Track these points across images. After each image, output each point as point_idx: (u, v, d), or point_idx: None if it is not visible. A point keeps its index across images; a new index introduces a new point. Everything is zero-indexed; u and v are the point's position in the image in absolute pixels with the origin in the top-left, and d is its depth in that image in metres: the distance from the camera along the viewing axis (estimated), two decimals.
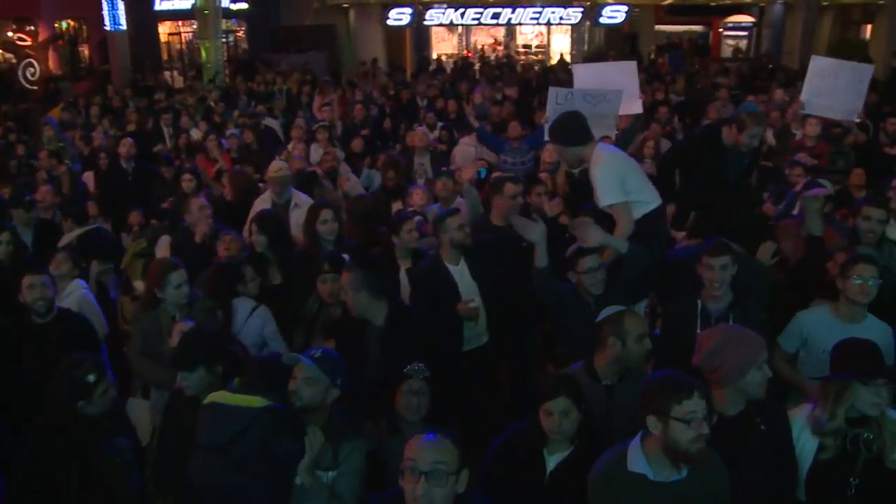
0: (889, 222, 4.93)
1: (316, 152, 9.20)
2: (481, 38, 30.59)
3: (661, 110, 11.05)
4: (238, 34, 29.01)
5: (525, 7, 26.14)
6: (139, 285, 7.14)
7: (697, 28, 33.86)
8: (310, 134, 9.96)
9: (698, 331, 3.93)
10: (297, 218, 6.43)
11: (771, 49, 27.50)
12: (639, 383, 3.71)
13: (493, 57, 27.96)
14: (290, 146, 9.64)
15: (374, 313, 4.29)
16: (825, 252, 4.82)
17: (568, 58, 26.07)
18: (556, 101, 7.71)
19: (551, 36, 29.61)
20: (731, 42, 30.43)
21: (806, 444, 3.28)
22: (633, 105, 8.39)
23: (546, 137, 5.78)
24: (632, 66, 8.67)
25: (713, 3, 29.38)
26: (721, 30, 30.64)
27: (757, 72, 20.89)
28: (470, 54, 28.62)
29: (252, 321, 4.79)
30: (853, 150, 8.74)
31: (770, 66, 22.47)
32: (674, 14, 31.17)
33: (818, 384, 3.40)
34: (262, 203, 6.76)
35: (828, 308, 4.25)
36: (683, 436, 2.77)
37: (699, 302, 4.19)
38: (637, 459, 2.90)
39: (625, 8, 25.60)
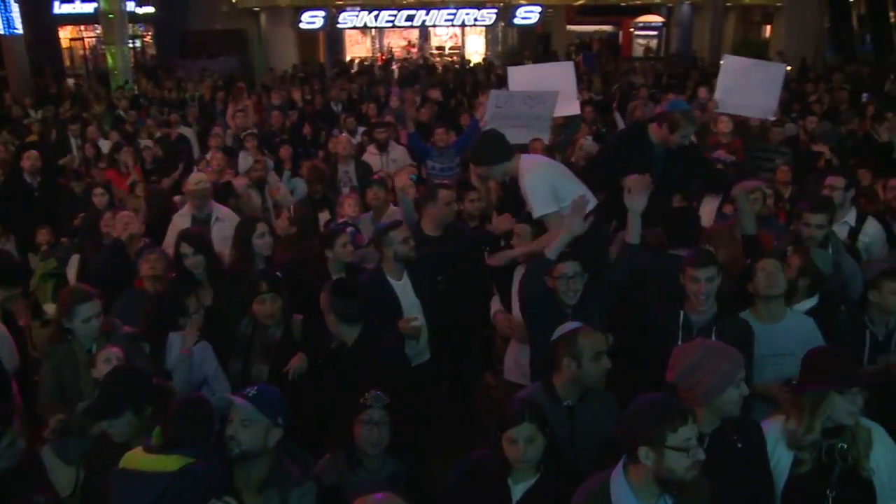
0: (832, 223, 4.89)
1: (245, 161, 8.77)
2: (394, 41, 30.43)
3: (587, 110, 10.99)
4: (146, 39, 28.01)
5: (439, 9, 26.06)
6: (49, 309, 6.67)
7: (607, 28, 34.57)
8: (237, 141, 9.51)
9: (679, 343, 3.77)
10: (219, 232, 6.09)
11: (680, 48, 28.15)
12: (600, 403, 3.56)
13: (407, 59, 27.77)
14: (207, 156, 9.17)
15: (344, 335, 4.19)
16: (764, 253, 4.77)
17: (481, 59, 26.13)
18: (496, 105, 7.57)
19: (466, 37, 29.63)
20: (641, 42, 30.99)
21: (781, 458, 3.17)
22: (571, 106, 8.33)
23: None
24: (568, 67, 8.60)
25: (623, 4, 29.87)
26: (631, 30, 31.16)
27: (672, 70, 21.19)
28: (382, 57, 28.34)
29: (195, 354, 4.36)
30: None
31: (691, 65, 22.87)
32: (584, 14, 31.67)
33: (785, 387, 3.34)
34: (182, 219, 6.35)
35: (749, 312, 4.19)
36: (680, 464, 2.59)
37: (682, 313, 4.04)
38: (622, 491, 2.69)
39: (538, 8, 25.84)
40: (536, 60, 25.95)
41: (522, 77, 8.26)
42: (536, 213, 4.43)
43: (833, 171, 7.64)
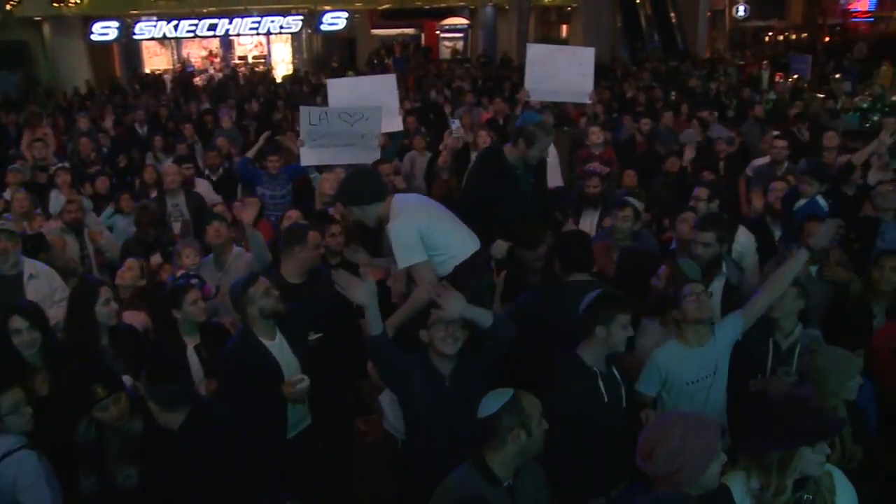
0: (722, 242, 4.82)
1: (57, 201, 7.44)
2: (195, 51, 28.80)
3: (409, 120, 10.55)
4: None
5: (243, 17, 24.99)
6: None
7: (409, 31, 34.79)
8: (50, 177, 8.31)
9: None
10: (35, 292, 5.21)
11: (486, 49, 28.75)
12: (533, 475, 3.22)
13: (209, 70, 26.41)
14: (6, 195, 7.87)
15: (169, 422, 3.52)
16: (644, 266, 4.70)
17: (287, 67, 25.31)
18: (309, 122, 7.06)
19: (271, 45, 28.64)
20: (448, 44, 31.37)
21: None
22: (393, 122, 7.98)
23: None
24: (390, 80, 8.22)
25: (427, 7, 30.06)
26: (438, 32, 31.46)
27: (487, 73, 21.31)
28: (179, 69, 26.71)
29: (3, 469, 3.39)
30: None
31: (505, 66, 23.15)
32: (388, 18, 31.66)
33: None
34: None
35: (674, 339, 4.06)
36: None
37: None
38: None
39: (345, 14, 25.39)
40: (344, 66, 25.94)
41: (342, 90, 7.79)
42: (400, 264, 3.99)
43: (685, 175, 7.85)
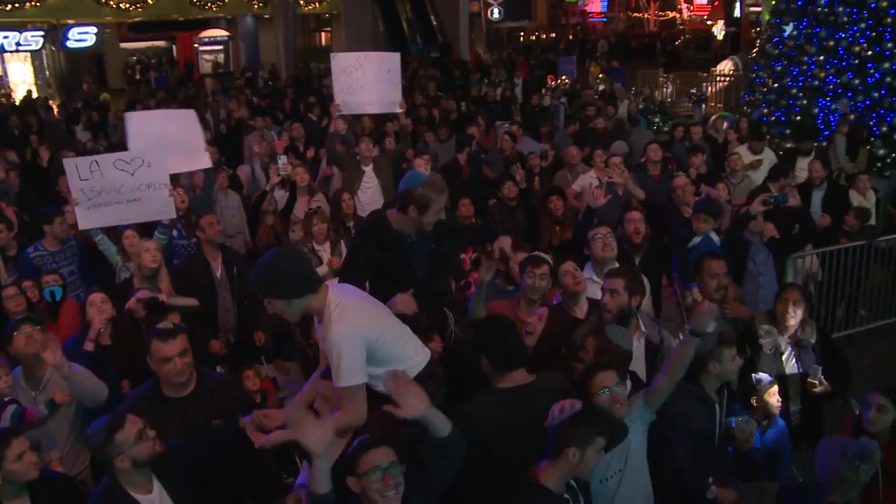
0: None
1: None
2: None
3: (210, 150, 9.41)
4: None
5: None
6: None
7: (161, 44, 32.61)
8: None
9: None
10: None
11: (249, 61, 27.44)
12: None
13: None
14: None
15: None
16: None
17: (28, 90, 22.42)
18: (78, 177, 5.89)
19: (7, 65, 25.35)
20: (208, 57, 29.57)
21: None
22: (200, 159, 7.03)
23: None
24: (190, 114, 7.23)
25: (180, 19, 28.15)
26: (196, 45, 29.59)
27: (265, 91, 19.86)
28: None
29: None
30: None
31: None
32: (137, 31, 29.40)
33: None
34: None
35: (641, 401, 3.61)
36: None
37: None
38: None
39: (94, 29, 22.99)
40: (96, 85, 23.60)
41: (143, 126, 6.71)
42: (341, 381, 3.13)
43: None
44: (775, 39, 13.01)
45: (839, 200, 7.98)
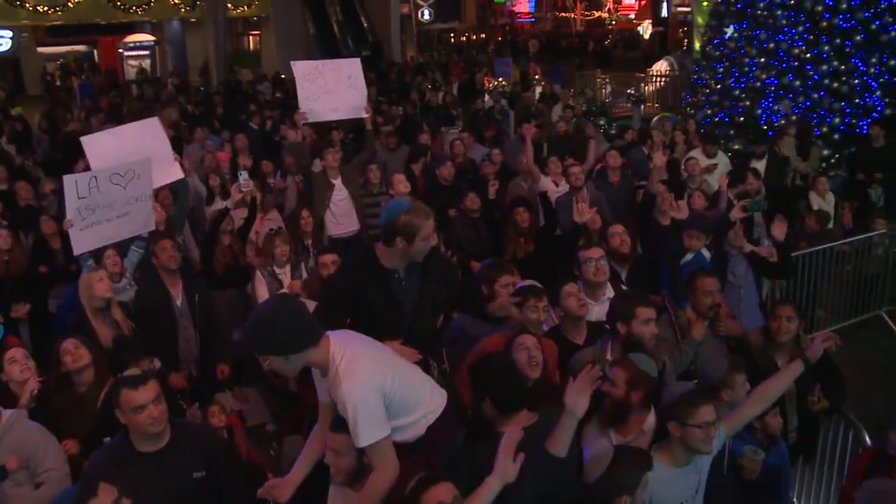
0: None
1: None
2: None
3: None
4: None
5: None
6: None
7: (81, 48, 31.38)
8: None
9: None
10: None
11: (178, 66, 26.61)
12: None
13: None
14: None
15: None
16: None
17: None
18: (77, 195, 5.57)
19: None
20: (133, 63, 28.53)
21: None
22: (170, 170, 6.64)
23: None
24: (153, 124, 6.80)
25: (103, 23, 27.11)
26: (121, 50, 28.54)
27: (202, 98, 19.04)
28: None
29: None
30: None
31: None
32: (55, 35, 28.23)
33: None
34: None
35: (658, 459, 3.39)
36: None
37: None
38: None
39: (9, 33, 21.95)
40: (11, 92, 22.49)
41: (104, 145, 6.30)
42: (361, 441, 2.88)
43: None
44: (716, 41, 13.17)
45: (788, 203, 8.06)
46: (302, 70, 7.71)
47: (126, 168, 5.79)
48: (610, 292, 4.91)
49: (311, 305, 5.01)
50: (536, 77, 21.72)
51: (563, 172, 7.66)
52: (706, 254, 5.36)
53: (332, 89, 7.61)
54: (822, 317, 8.08)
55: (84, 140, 6.44)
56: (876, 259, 8.11)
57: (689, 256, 5.21)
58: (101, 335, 4.90)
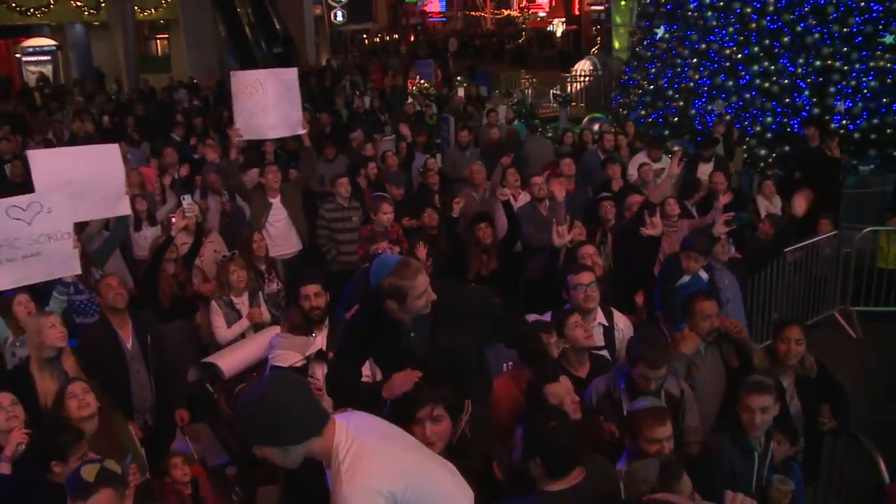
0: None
1: None
2: None
3: None
4: None
5: None
6: None
7: None
8: None
9: None
10: None
11: (84, 72, 25.25)
12: None
13: None
14: None
15: None
16: None
17: None
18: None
19: None
20: (33, 69, 26.92)
21: None
22: (118, 205, 6.08)
23: None
24: (113, 150, 6.21)
25: None
26: (19, 56, 26.91)
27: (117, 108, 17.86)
28: None
29: None
30: None
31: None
32: None
33: None
34: None
35: None
36: None
37: None
38: None
39: None
40: None
41: (52, 166, 5.68)
42: None
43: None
44: (647, 42, 13.20)
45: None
46: (241, 82, 7.26)
47: (29, 201, 5.16)
48: (600, 317, 4.66)
49: (295, 339, 4.67)
50: (458, 79, 21.50)
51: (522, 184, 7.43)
52: (703, 275, 5.16)
53: (269, 104, 7.21)
54: (777, 319, 8.09)
55: (30, 155, 5.82)
56: (825, 260, 8.16)
57: (686, 279, 4.98)
58: (41, 391, 4.36)
